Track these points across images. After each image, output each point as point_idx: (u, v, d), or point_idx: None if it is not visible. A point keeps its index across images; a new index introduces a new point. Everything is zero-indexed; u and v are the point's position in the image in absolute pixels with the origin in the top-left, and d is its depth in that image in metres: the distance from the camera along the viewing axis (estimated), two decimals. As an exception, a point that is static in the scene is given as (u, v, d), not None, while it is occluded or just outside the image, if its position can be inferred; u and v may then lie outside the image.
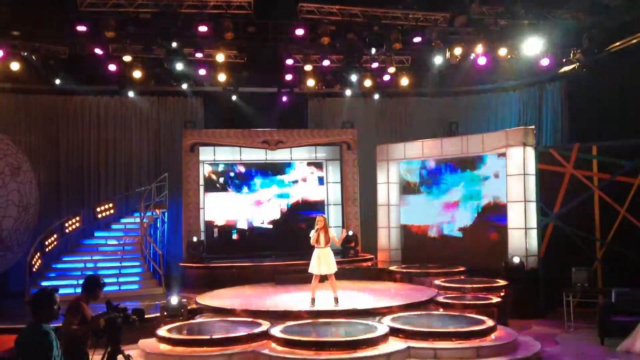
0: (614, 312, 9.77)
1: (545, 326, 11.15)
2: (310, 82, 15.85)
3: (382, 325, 9.08)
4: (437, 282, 12.72)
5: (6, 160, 13.32)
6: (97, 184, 17.05)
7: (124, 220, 16.16)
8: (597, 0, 12.66)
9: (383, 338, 8.58)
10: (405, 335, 8.82)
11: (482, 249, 14.25)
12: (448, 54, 14.17)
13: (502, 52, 14.11)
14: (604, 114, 13.96)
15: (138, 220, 15.42)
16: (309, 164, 17.35)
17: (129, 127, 17.31)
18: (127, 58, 13.94)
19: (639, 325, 9.01)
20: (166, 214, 16.47)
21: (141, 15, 12.37)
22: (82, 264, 14.43)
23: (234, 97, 16.51)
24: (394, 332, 8.88)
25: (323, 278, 10.94)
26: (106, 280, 6.30)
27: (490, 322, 9.29)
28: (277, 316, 10.06)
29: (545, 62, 14.15)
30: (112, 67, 14.56)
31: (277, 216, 16.99)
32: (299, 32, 13.20)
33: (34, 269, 13.71)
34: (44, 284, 13.38)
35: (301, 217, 16.78)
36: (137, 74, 14.45)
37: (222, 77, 15.16)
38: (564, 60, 14.24)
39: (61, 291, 13.14)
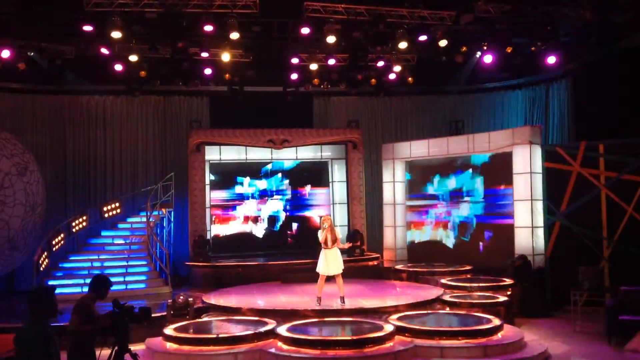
0: (622, 311, 9.71)
1: (552, 325, 11.11)
2: (316, 81, 15.83)
3: (389, 324, 9.08)
4: (443, 281, 12.69)
5: (13, 160, 13.38)
6: (103, 183, 17.11)
7: (130, 220, 16.20)
8: (604, -3, 12.61)
9: (389, 337, 8.57)
10: (412, 334, 8.82)
11: (487, 248, 14.22)
12: (454, 53, 14.13)
13: (508, 50, 14.05)
14: (610, 111, 13.90)
15: (144, 219, 15.45)
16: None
17: (135, 126, 17.35)
18: (133, 58, 13.98)
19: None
20: (172, 213, 16.49)
21: (147, 15, 12.37)
22: (89, 263, 14.47)
23: (239, 97, 16.52)
24: (400, 330, 8.88)
25: (330, 277, 10.95)
26: (113, 279, 6.31)
27: (496, 321, 9.26)
28: (284, 315, 10.07)
29: (551, 59, 14.09)
30: (118, 67, 14.60)
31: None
32: (305, 31, 13.19)
33: (41, 268, 13.76)
34: (51, 283, 13.46)
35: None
36: (143, 74, 14.48)
37: (227, 76, 15.17)
38: (571, 57, 14.18)
39: (68, 290, 13.29)
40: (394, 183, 16.17)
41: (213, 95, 17.49)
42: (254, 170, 17.02)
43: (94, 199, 16.83)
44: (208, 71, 15.35)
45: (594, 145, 12.36)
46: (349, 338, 8.58)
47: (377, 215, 17.42)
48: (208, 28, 12.70)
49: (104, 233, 15.87)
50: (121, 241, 15.43)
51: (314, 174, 17.44)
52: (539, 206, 13.05)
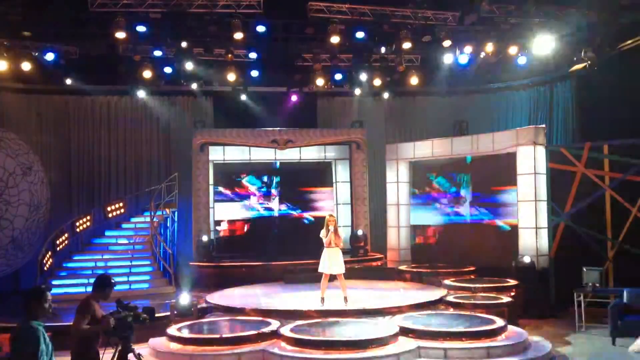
0: (626, 312, 9.70)
1: (556, 326, 11.09)
2: (320, 81, 15.79)
3: (392, 325, 9.06)
4: (447, 281, 12.67)
5: (17, 160, 13.42)
6: (107, 183, 17.15)
7: (134, 220, 16.25)
8: (608, -2, 12.58)
9: (393, 337, 8.56)
10: (415, 334, 8.80)
11: (492, 248, 14.19)
12: (458, 53, 14.11)
13: (513, 50, 14.03)
14: (615, 112, 13.84)
15: (148, 219, 15.48)
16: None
17: (139, 126, 17.40)
18: (137, 58, 13.99)
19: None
20: (176, 213, 16.54)
21: (151, 15, 12.40)
22: (92, 263, 14.53)
23: (243, 97, 16.54)
24: (404, 331, 8.87)
25: (332, 277, 10.94)
26: (116, 279, 6.31)
27: (500, 322, 9.24)
28: (287, 315, 10.06)
29: (555, 60, 14.04)
30: (122, 67, 14.61)
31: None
32: (308, 31, 13.19)
33: (45, 268, 13.82)
34: (55, 282, 13.51)
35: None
36: (147, 74, 14.51)
37: (231, 77, 15.18)
38: (575, 58, 14.11)
39: (72, 290, 13.29)
40: (397, 183, 16.15)
41: (217, 96, 17.51)
42: (258, 170, 17.01)
43: (98, 199, 16.88)
44: (212, 71, 15.36)
45: (599, 146, 12.32)
46: (353, 339, 8.55)
47: (380, 216, 17.40)
48: (212, 28, 12.71)
49: (107, 233, 15.91)
50: (125, 241, 15.47)
51: (317, 174, 17.44)
52: (543, 207, 13.01)
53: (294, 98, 16.81)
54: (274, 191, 16.95)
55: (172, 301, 10.60)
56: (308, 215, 16.93)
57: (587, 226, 12.19)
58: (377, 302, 11.03)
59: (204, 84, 16.21)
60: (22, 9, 12.38)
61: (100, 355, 5.82)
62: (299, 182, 17.12)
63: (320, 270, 10.82)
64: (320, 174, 17.45)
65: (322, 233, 10.83)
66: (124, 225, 16.12)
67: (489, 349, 8.43)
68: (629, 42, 13.32)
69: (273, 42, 14.36)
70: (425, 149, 15.70)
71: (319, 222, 12.21)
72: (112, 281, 6.09)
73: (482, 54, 14.38)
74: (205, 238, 15.48)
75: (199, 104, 17.71)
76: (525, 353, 8.60)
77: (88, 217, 15.50)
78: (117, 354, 5.92)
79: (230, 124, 16.79)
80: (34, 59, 14.02)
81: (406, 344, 8.53)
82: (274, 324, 9.36)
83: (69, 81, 15.17)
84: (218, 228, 16.45)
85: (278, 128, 16.66)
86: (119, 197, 16.53)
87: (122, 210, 16.00)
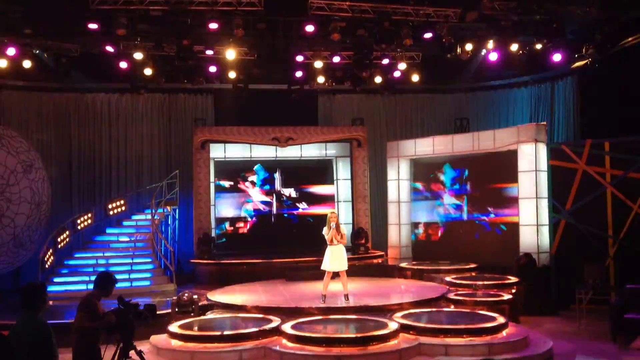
0: (627, 309, 9.69)
1: (557, 323, 11.10)
2: (321, 79, 15.83)
3: (393, 322, 9.07)
4: (448, 279, 12.67)
5: (18, 158, 13.43)
6: (108, 180, 17.16)
7: (135, 217, 16.25)
8: (609, -5, 12.56)
9: (394, 334, 8.57)
10: (416, 331, 8.81)
11: (493, 246, 14.19)
12: (459, 50, 14.10)
13: (514, 47, 14.01)
14: (616, 109, 13.84)
15: (149, 217, 15.48)
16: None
17: (140, 124, 17.40)
18: (138, 56, 13.97)
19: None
20: (177, 210, 16.55)
21: (152, 13, 12.38)
22: (94, 261, 14.53)
23: (244, 94, 16.52)
24: (405, 328, 8.88)
25: (334, 275, 10.95)
26: (118, 276, 6.32)
27: (501, 319, 9.25)
28: (288, 312, 10.08)
29: (557, 57, 14.03)
30: (123, 65, 14.60)
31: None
32: (309, 28, 13.18)
33: (47, 266, 13.83)
34: (56, 280, 13.54)
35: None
36: (148, 72, 14.52)
37: (232, 74, 15.19)
38: (576, 55, 14.12)
39: (73, 287, 13.32)
40: (398, 181, 16.16)
41: (218, 93, 17.51)
42: (259, 168, 17.00)
43: (99, 196, 16.90)
44: (213, 69, 15.37)
45: (600, 143, 12.31)
46: (354, 336, 8.58)
47: (381, 213, 17.40)
48: (213, 26, 12.70)
49: (109, 230, 15.91)
50: (126, 239, 15.47)
51: (318, 172, 17.44)
52: (544, 204, 13.01)
53: (294, 95, 16.76)
54: (274, 188, 16.96)
55: (173, 298, 10.60)
56: (309, 213, 16.94)
57: (588, 223, 12.19)
58: (378, 300, 11.05)
59: (205, 81, 16.19)
60: (23, 7, 12.38)
61: (102, 352, 5.84)
62: (300, 179, 17.14)
63: (322, 268, 10.82)
64: (321, 171, 17.47)
65: (324, 230, 10.83)
66: (125, 223, 16.12)
67: (489, 346, 8.43)
68: (630, 39, 13.29)
69: (274, 40, 14.34)
70: (426, 147, 15.69)
71: (320, 220, 12.19)
72: (114, 278, 6.11)
73: (483, 51, 14.37)
74: (206, 235, 15.49)
75: (200, 101, 17.71)
76: (526, 350, 8.59)
77: (89, 215, 15.51)
78: (118, 351, 5.94)
79: (231, 122, 16.80)
80: (34, 56, 14.03)
81: (407, 341, 8.54)
82: (275, 321, 9.37)
83: (70, 79, 15.15)
84: (219, 225, 16.48)
85: (279, 126, 16.65)
86: (120, 195, 16.53)
87: (123, 208, 16.01)
